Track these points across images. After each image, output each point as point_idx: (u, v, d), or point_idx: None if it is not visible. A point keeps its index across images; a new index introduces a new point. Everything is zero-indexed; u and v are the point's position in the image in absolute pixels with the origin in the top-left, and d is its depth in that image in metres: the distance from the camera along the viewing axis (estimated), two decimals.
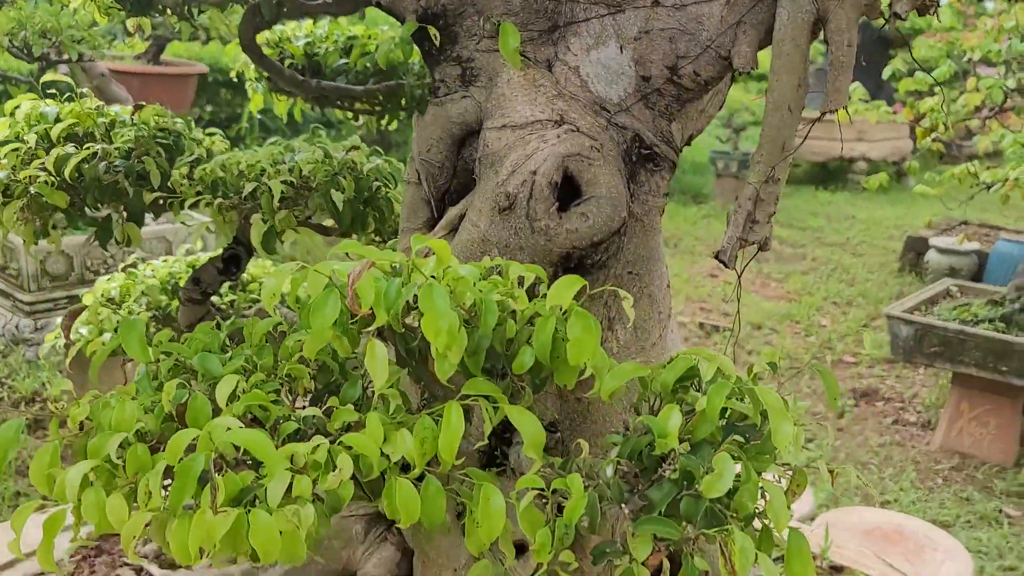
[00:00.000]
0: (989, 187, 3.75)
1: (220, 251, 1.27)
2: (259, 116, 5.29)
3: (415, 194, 0.98)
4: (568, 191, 0.87)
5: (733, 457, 0.61)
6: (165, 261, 1.50)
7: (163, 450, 0.65)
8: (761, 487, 0.62)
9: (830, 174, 10.83)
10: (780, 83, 0.80)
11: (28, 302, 2.61)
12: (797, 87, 0.80)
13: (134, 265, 1.56)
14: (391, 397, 0.70)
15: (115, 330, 1.40)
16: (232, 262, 1.28)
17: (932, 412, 4.35)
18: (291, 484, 0.62)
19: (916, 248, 7.05)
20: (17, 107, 1.20)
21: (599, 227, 0.85)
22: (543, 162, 0.84)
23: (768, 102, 0.82)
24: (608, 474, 0.64)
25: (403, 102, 1.43)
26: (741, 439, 0.63)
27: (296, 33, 1.46)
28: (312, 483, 0.63)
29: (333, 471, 0.63)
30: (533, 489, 0.65)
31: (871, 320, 5.68)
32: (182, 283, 1.47)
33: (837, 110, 0.88)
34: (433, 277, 0.62)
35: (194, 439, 0.62)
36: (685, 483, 0.62)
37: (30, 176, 1.06)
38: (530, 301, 0.70)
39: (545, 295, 0.70)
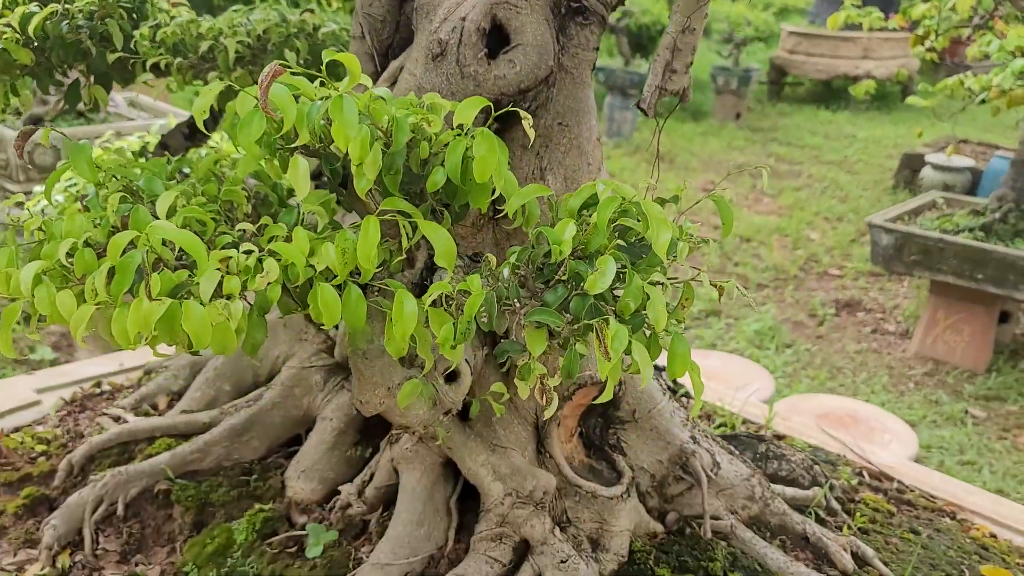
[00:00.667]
0: (977, 96, 3.74)
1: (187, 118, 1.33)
2: None
3: (359, 48, 1.03)
4: (497, 40, 0.91)
5: (617, 263, 0.67)
6: (140, 136, 1.56)
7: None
8: (643, 295, 0.69)
9: (833, 93, 10.67)
10: None
11: (16, 192, 2.68)
12: None
13: (109, 141, 1.62)
14: (319, 216, 0.76)
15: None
16: (195, 130, 1.34)
17: (911, 322, 4.43)
18: (222, 284, 0.69)
19: (912, 165, 7.02)
20: None
21: (526, 74, 0.90)
22: (472, 9, 0.89)
23: None
24: (504, 275, 0.71)
25: None
26: (626, 246, 0.70)
27: None
28: (242, 285, 0.70)
29: (259, 276, 0.70)
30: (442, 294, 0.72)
31: (860, 236, 5.72)
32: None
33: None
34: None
35: (133, 240, 0.68)
36: (574, 285, 0.69)
37: None
38: None
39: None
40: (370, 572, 1.01)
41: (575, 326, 0.68)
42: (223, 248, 0.73)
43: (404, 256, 0.77)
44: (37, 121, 2.83)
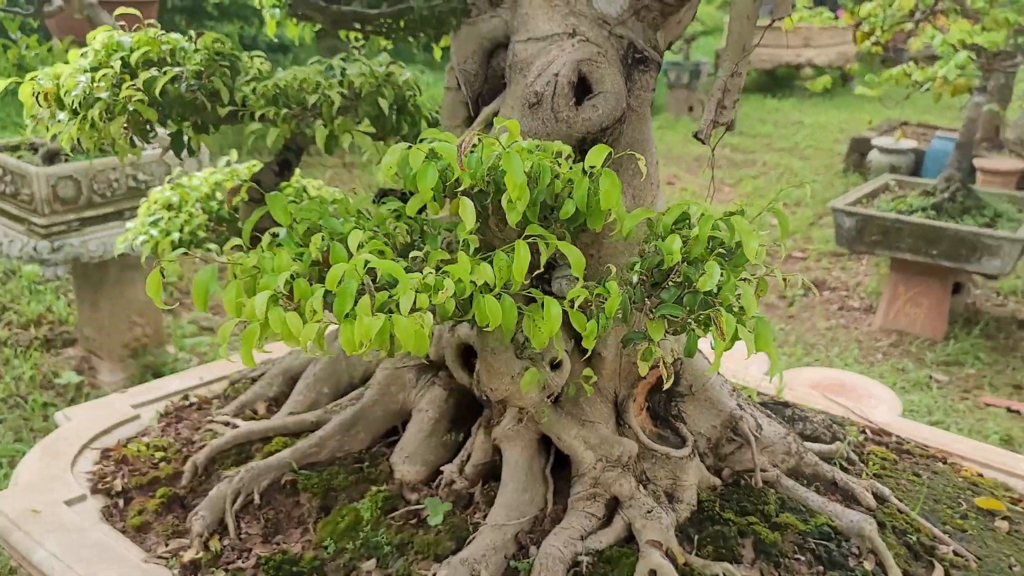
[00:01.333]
0: (922, 86, 4.05)
1: (274, 157, 1.51)
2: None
3: (454, 98, 1.23)
4: (580, 89, 1.13)
5: (718, 263, 0.89)
6: (210, 173, 1.73)
7: (312, 284, 0.91)
8: (737, 288, 0.91)
9: (778, 81, 11.06)
10: (737, 20, 1.07)
11: (43, 225, 2.80)
12: (756, 7, 1.06)
13: (175, 179, 1.79)
14: (471, 242, 0.97)
15: (180, 230, 1.63)
16: (285, 166, 1.52)
17: (873, 298, 4.75)
18: (416, 300, 0.89)
19: (860, 149, 7.39)
20: (94, 38, 1.41)
21: (606, 115, 1.12)
22: (563, 66, 1.10)
23: (732, 12, 1.08)
24: (633, 281, 0.92)
25: (403, 23, 1.66)
26: (723, 254, 0.92)
27: None
28: (428, 299, 0.90)
29: (439, 291, 0.90)
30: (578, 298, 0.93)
31: (819, 218, 6.05)
32: (228, 188, 1.71)
33: (784, 18, 1.15)
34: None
35: (344, 271, 0.88)
36: (686, 285, 0.91)
37: (128, 96, 1.29)
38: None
39: (573, 165, 0.97)
40: (490, 532, 1.22)
41: (692, 316, 0.90)
42: (405, 272, 0.93)
43: (541, 269, 0.98)
44: (54, 156, 2.96)
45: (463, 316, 0.94)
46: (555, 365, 1.16)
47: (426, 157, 0.90)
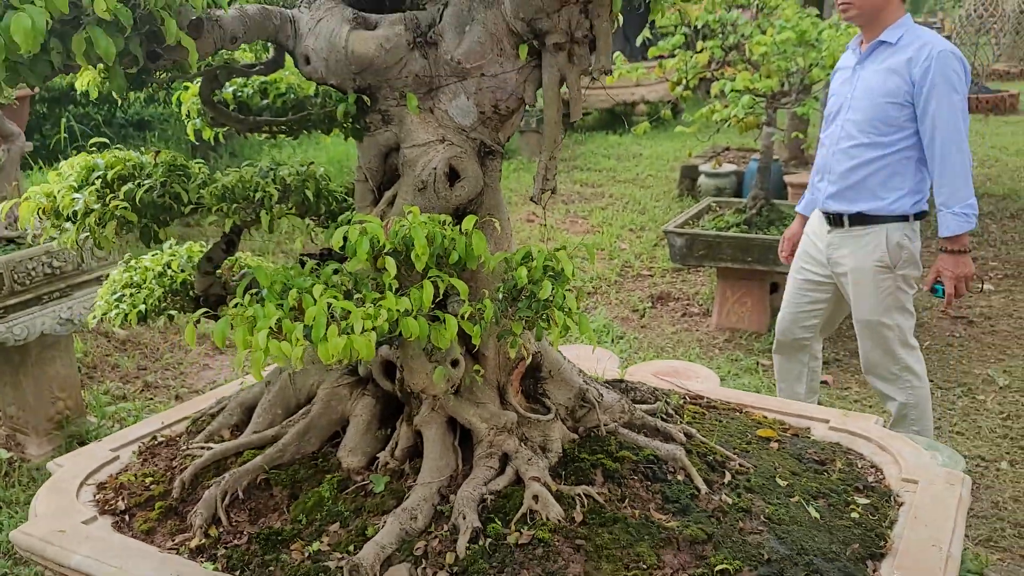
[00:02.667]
0: (725, 122, 4.86)
1: (220, 238, 1.98)
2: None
3: (363, 187, 1.75)
4: (452, 176, 1.67)
5: (549, 281, 1.45)
6: (155, 255, 2.17)
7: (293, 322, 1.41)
8: (564, 297, 1.47)
9: (616, 118, 12.04)
10: (549, 110, 1.65)
11: None
12: (558, 111, 1.64)
13: (127, 262, 2.22)
14: (393, 284, 1.49)
15: (144, 302, 2.06)
16: (230, 244, 1.99)
17: (708, 303, 5.52)
18: (363, 325, 1.39)
19: (690, 175, 8.32)
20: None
21: (470, 192, 1.67)
22: (439, 162, 1.64)
23: (545, 119, 1.66)
24: (500, 298, 1.46)
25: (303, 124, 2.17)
26: (553, 275, 1.48)
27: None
28: (372, 323, 1.41)
29: (379, 317, 1.42)
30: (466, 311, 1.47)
31: (660, 239, 6.84)
32: (175, 266, 2.15)
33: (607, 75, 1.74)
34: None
35: (316, 311, 1.38)
36: (532, 296, 1.46)
37: (115, 205, 1.73)
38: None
39: (455, 226, 1.51)
40: (420, 489, 1.72)
41: (537, 316, 1.45)
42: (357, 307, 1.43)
43: (440, 297, 1.50)
44: None
45: (392, 333, 1.45)
46: (454, 363, 1.69)
47: (359, 233, 1.42)
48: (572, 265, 1.52)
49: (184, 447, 2.07)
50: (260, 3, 1.67)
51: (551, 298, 1.47)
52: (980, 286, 5.26)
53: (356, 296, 1.47)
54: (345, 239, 1.44)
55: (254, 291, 1.50)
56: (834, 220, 3.14)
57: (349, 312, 1.40)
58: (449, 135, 1.67)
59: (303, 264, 1.66)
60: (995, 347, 4.61)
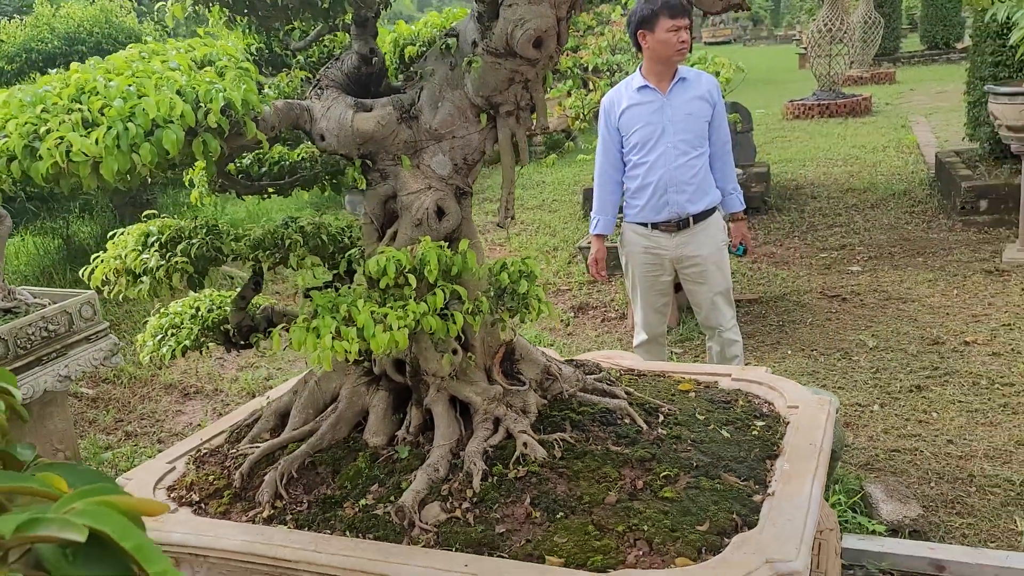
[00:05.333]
0: None
1: (248, 279, 2.50)
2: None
3: (370, 228, 2.32)
4: (439, 213, 2.26)
5: (524, 280, 2.04)
6: (194, 300, 2.66)
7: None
8: (536, 291, 2.07)
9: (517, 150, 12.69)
10: (505, 158, 2.26)
11: None
12: (511, 159, 2.26)
13: (157, 311, 2.70)
14: (413, 295, 2.06)
15: (188, 339, 2.55)
16: (257, 284, 2.51)
17: (624, 308, 6.19)
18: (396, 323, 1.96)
19: (591, 198, 9.06)
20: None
21: (453, 224, 2.26)
22: (429, 204, 2.22)
23: (503, 165, 2.27)
24: (491, 295, 2.04)
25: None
26: (526, 275, 2.07)
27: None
28: (403, 322, 1.97)
29: (409, 316, 1.98)
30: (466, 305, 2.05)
31: (573, 256, 7.52)
32: (203, 308, 2.65)
33: (544, 129, 2.36)
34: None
35: (364, 318, 1.93)
36: (512, 292, 2.05)
37: (176, 261, 2.24)
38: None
39: (450, 249, 2.09)
40: (437, 450, 2.28)
41: (518, 305, 2.04)
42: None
43: (442, 304, 2.08)
44: None
45: (416, 329, 2.02)
46: (454, 352, 2.26)
47: (387, 259, 1.99)
48: (538, 268, 2.12)
49: (232, 451, 2.56)
50: (284, 98, 2.23)
51: (527, 292, 2.07)
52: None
53: (387, 305, 2.04)
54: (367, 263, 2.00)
55: (308, 312, 2.05)
56: (681, 224, 3.90)
57: (386, 315, 1.96)
58: (434, 183, 2.26)
59: (308, 296, 2.22)
60: (864, 317, 5.45)
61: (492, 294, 2.10)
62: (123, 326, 6.26)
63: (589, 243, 5.69)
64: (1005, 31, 6.53)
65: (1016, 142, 5.63)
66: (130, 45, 2.01)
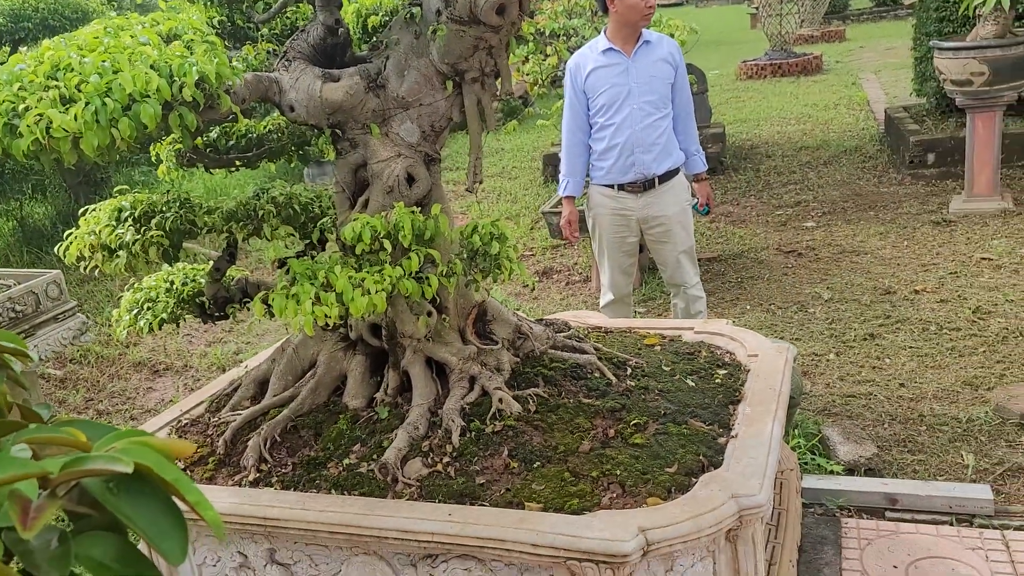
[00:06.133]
0: None
1: (223, 251, 2.54)
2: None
3: (341, 197, 2.37)
4: (409, 179, 2.32)
5: (496, 241, 2.12)
6: (168, 273, 2.69)
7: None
8: (508, 254, 2.15)
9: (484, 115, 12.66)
10: (472, 124, 2.32)
11: None
12: (479, 124, 2.32)
13: (132, 287, 2.72)
14: (388, 260, 2.12)
15: (164, 312, 2.58)
16: (231, 256, 2.55)
17: (587, 270, 6.30)
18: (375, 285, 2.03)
19: (552, 163, 9.13)
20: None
21: (423, 190, 2.32)
22: (399, 171, 2.28)
23: (470, 131, 2.33)
24: (464, 257, 2.12)
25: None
26: (497, 236, 2.15)
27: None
28: (381, 286, 2.04)
29: (386, 279, 2.05)
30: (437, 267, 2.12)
31: (535, 223, 7.59)
32: (177, 282, 2.68)
33: (509, 94, 2.43)
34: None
35: (343, 282, 2.00)
36: (485, 253, 2.12)
37: (153, 234, 2.27)
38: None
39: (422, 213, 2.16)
40: (415, 409, 2.36)
41: (491, 265, 2.12)
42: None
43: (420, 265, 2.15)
44: None
45: (393, 292, 2.09)
46: (429, 314, 2.34)
47: (362, 225, 2.05)
48: (509, 229, 2.20)
49: (213, 420, 2.62)
50: (253, 71, 2.26)
51: (499, 253, 2.15)
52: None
53: (365, 270, 2.10)
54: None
55: (287, 279, 2.11)
56: (646, 185, 4.00)
57: (363, 280, 2.03)
58: (403, 150, 2.32)
59: (282, 265, 2.28)
60: (819, 271, 5.63)
61: (465, 256, 2.18)
62: (87, 305, 6.21)
63: (553, 208, 5.77)
64: None
65: (960, 96, 5.81)
66: (94, 20, 2.03)
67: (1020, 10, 6.11)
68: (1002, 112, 5.86)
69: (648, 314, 5.32)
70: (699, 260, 5.71)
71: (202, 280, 2.62)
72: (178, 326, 2.71)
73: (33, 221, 7.36)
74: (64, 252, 2.33)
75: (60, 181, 7.59)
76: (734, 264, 5.97)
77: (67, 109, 1.56)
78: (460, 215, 8.04)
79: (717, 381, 2.57)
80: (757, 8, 17.26)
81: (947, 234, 5.88)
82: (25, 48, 6.33)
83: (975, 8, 5.32)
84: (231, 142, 2.71)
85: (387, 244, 2.07)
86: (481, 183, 2.38)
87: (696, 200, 4.35)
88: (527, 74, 5.77)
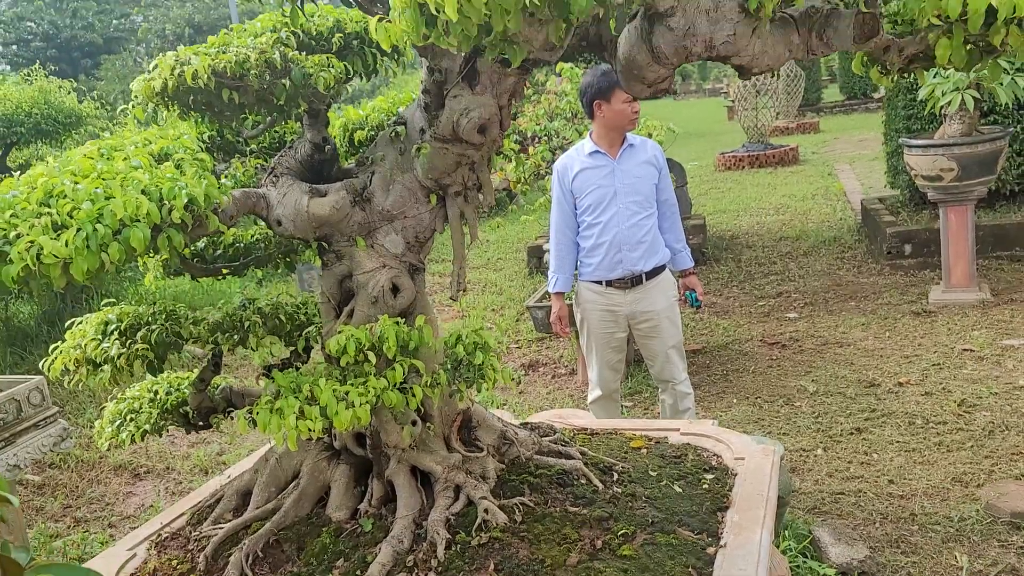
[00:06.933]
0: None
1: (207, 361, 2.54)
2: None
3: (327, 307, 2.39)
4: (394, 290, 2.35)
5: (480, 351, 2.14)
6: (152, 383, 2.68)
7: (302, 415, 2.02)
8: (492, 363, 2.16)
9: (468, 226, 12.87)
10: (456, 235, 2.37)
11: None
12: (462, 235, 2.37)
13: (115, 398, 2.71)
14: (372, 371, 2.13)
15: (148, 423, 2.56)
16: (215, 367, 2.56)
17: (573, 363, 6.31)
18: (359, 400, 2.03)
19: (536, 254, 9.23)
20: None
21: (407, 300, 2.35)
22: (384, 281, 2.31)
23: (453, 242, 2.38)
24: (448, 367, 2.13)
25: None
26: (480, 346, 2.17)
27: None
28: (366, 399, 2.04)
29: (371, 392, 2.05)
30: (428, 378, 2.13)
31: (521, 315, 7.63)
32: (161, 392, 2.67)
33: (490, 206, 2.48)
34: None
35: (327, 396, 2.00)
36: (468, 364, 2.14)
37: (138, 348, 2.28)
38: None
39: (406, 324, 2.18)
40: (400, 521, 2.33)
41: (475, 375, 2.13)
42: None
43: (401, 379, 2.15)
44: None
45: (377, 404, 2.09)
46: (413, 423, 2.33)
47: (347, 338, 2.07)
48: (492, 339, 2.22)
49: (194, 534, 2.57)
50: (241, 186, 2.31)
51: (483, 363, 2.16)
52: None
53: (349, 382, 2.11)
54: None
55: (272, 392, 2.11)
56: (634, 281, 4.07)
57: (348, 393, 2.04)
58: (388, 261, 2.36)
59: (268, 373, 2.29)
60: (804, 363, 5.66)
61: (449, 366, 2.19)
62: (69, 406, 6.14)
63: (537, 303, 5.82)
64: (915, 86, 6.97)
65: (932, 191, 5.98)
66: (89, 142, 2.09)
67: (984, 109, 6.35)
68: (973, 205, 6.03)
69: (635, 408, 5.31)
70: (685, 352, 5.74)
71: (186, 390, 2.62)
72: (161, 435, 2.69)
73: (18, 321, 7.33)
74: (48, 367, 2.33)
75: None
76: (719, 356, 6.00)
77: (59, 235, 1.59)
78: (446, 307, 8.09)
79: (704, 487, 2.56)
80: (733, 101, 17.84)
81: (928, 325, 5.95)
82: (16, 151, 6.42)
83: (941, 108, 5.53)
84: (218, 251, 2.75)
85: (372, 356, 2.08)
86: (465, 291, 2.41)
87: (691, 292, 4.43)
88: (510, 173, 5.90)
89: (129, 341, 2.34)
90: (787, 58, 1.85)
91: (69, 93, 7.08)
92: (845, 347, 5.81)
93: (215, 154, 2.71)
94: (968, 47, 1.59)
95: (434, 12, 1.35)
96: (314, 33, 2.33)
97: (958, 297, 6.19)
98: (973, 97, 5.30)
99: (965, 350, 5.39)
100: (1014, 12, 1.33)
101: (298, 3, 1.96)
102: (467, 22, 1.36)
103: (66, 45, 32.98)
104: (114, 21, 37.03)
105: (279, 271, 2.85)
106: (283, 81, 2.04)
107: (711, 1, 1.73)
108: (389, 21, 1.50)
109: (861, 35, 1.74)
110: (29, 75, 7.14)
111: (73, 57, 32.79)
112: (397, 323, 2.17)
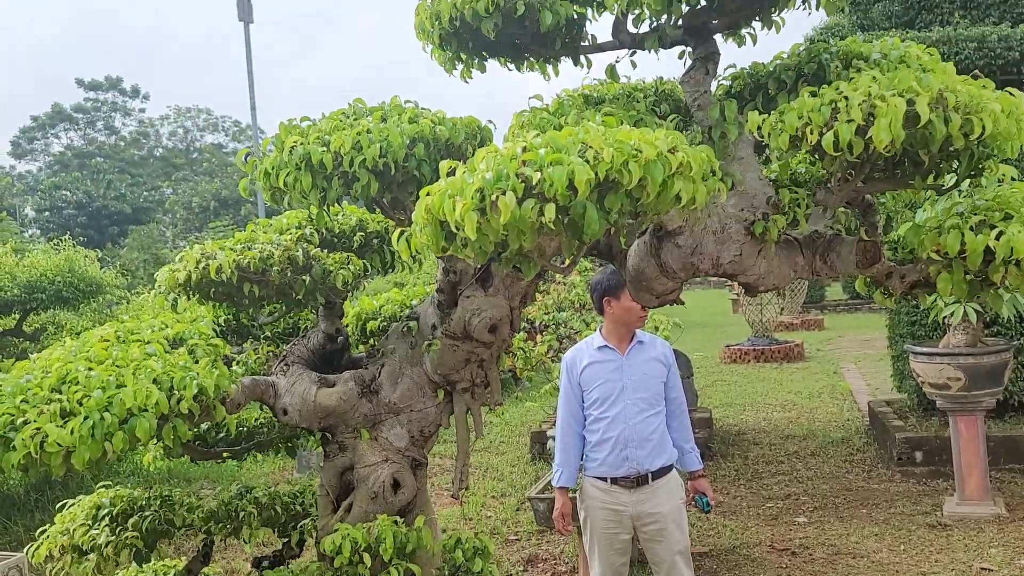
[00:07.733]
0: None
1: (198, 552, 2.46)
2: None
3: (325, 500, 2.34)
4: (395, 486, 2.31)
5: (479, 558, 2.07)
6: (137, 571, 2.58)
7: None
8: (491, 571, 2.09)
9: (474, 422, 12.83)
10: (461, 431, 2.35)
11: None
12: (467, 432, 2.36)
13: None
14: (366, 572, 2.05)
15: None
16: (205, 557, 2.47)
17: (574, 560, 6.06)
18: None
19: (539, 440, 9.13)
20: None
21: (408, 497, 2.30)
22: (385, 477, 2.28)
23: (458, 438, 2.36)
24: (445, 574, 2.05)
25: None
26: (480, 553, 2.10)
27: None
28: None
29: None
30: None
31: (521, 503, 7.43)
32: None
33: (498, 404, 2.46)
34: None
35: None
36: (466, 569, 2.06)
37: (128, 536, 2.21)
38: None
39: (404, 524, 2.12)
40: None
41: None
42: None
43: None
44: None
45: None
46: None
47: (343, 537, 2.01)
48: (493, 544, 2.16)
49: None
50: (251, 373, 2.34)
51: (481, 571, 2.08)
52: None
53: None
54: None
55: None
56: (639, 480, 3.98)
57: None
58: (391, 455, 2.34)
59: (258, 565, 2.21)
60: (815, 573, 5.42)
61: (447, 572, 2.11)
62: None
63: (539, 494, 5.69)
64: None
65: (940, 399, 5.96)
66: (108, 323, 2.13)
67: (988, 319, 6.45)
68: (983, 416, 5.98)
69: None
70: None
71: None
72: None
73: (7, 488, 7.16)
74: (33, 553, 2.25)
75: None
76: (726, 561, 5.76)
77: (65, 423, 1.60)
78: (445, 491, 7.88)
79: None
80: (738, 294, 18.24)
81: (944, 539, 5.74)
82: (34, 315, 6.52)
83: (944, 318, 5.62)
84: (220, 434, 2.73)
85: (367, 558, 2.01)
86: (467, 488, 2.36)
87: (702, 496, 4.29)
88: (516, 361, 5.95)
89: (119, 528, 2.27)
90: (792, 278, 1.91)
91: (93, 263, 7.29)
92: (859, 558, 5.57)
93: (229, 337, 2.76)
94: (968, 278, 1.64)
95: (454, 229, 1.42)
96: (336, 231, 2.44)
97: (973, 511, 6.01)
98: (975, 310, 5.40)
99: (983, 569, 5.17)
100: (1011, 254, 1.38)
101: (324, 207, 2.07)
102: (485, 239, 1.42)
103: (96, 213, 34.44)
104: (144, 193, 38.89)
105: (279, 455, 2.82)
106: (303, 277, 2.11)
107: (718, 223, 1.81)
108: (410, 235, 1.57)
109: (863, 261, 1.80)
110: (58, 244, 7.39)
111: (102, 225, 34.16)
112: (396, 523, 2.12)
